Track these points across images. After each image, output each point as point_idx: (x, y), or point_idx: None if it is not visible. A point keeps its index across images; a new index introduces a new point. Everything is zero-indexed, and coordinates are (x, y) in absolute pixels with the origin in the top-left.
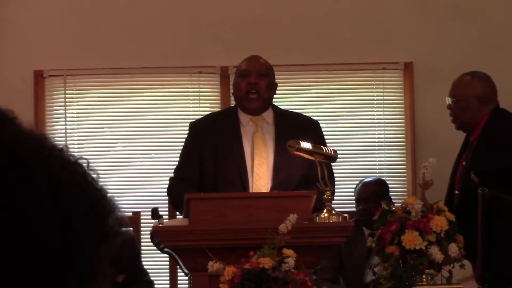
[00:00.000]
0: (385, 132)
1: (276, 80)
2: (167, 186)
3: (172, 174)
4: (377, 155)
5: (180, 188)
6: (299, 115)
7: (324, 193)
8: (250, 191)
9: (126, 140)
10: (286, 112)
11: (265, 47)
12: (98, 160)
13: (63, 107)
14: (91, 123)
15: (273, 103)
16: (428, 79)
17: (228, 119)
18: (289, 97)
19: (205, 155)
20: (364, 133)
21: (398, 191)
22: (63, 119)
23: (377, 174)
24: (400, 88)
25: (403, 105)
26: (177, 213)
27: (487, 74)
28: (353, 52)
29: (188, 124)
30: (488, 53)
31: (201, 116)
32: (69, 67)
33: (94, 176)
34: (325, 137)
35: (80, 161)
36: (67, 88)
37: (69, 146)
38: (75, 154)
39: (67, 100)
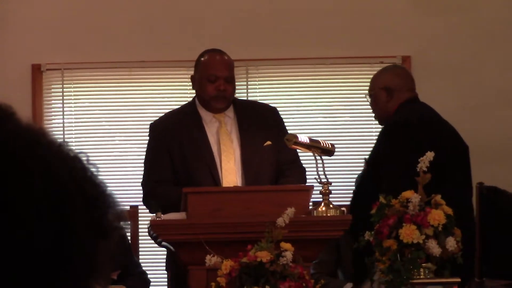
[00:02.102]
0: None
1: (274, 74)
2: (142, 196)
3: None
4: None
5: (164, 188)
6: (257, 104)
7: (322, 186)
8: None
9: (124, 134)
10: (245, 102)
11: (263, 41)
12: (96, 154)
13: (61, 101)
14: (89, 117)
15: (273, 96)
16: (426, 73)
17: (190, 117)
18: (286, 91)
19: (173, 154)
20: (362, 127)
21: None
22: (61, 113)
23: None
24: None
25: None
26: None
27: (400, 66)
28: (351, 46)
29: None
30: (486, 47)
31: (159, 116)
32: (67, 61)
33: (94, 171)
34: (323, 131)
35: (79, 156)
36: (64, 82)
37: (66, 140)
38: (74, 149)
39: (64, 94)
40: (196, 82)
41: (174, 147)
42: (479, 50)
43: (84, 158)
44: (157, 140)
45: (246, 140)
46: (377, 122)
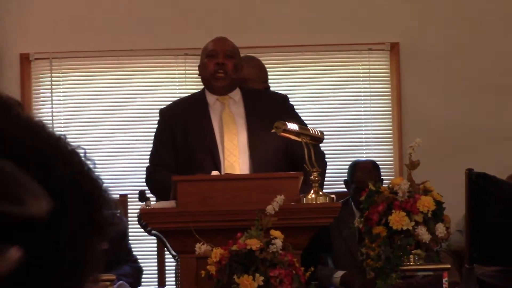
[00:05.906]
0: (372, 113)
1: (263, 62)
2: (144, 176)
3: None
4: (364, 136)
5: (160, 175)
6: (267, 91)
7: (311, 174)
8: (222, 168)
9: (113, 123)
10: (253, 90)
11: (251, 29)
12: (85, 143)
13: (50, 90)
14: (78, 105)
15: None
16: (414, 59)
17: (196, 102)
18: (275, 79)
19: (177, 139)
20: (350, 114)
21: (385, 172)
22: (50, 102)
23: (364, 155)
24: (386, 69)
25: (389, 86)
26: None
27: (255, 58)
28: (339, 33)
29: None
30: (474, 33)
31: (170, 103)
32: (55, 50)
33: (91, 166)
34: (312, 118)
35: (77, 150)
36: (53, 71)
37: (55, 129)
38: (73, 143)
39: (53, 83)
40: (200, 66)
41: (178, 132)
42: (467, 36)
43: (81, 153)
44: (163, 125)
45: (253, 123)
46: (364, 108)
